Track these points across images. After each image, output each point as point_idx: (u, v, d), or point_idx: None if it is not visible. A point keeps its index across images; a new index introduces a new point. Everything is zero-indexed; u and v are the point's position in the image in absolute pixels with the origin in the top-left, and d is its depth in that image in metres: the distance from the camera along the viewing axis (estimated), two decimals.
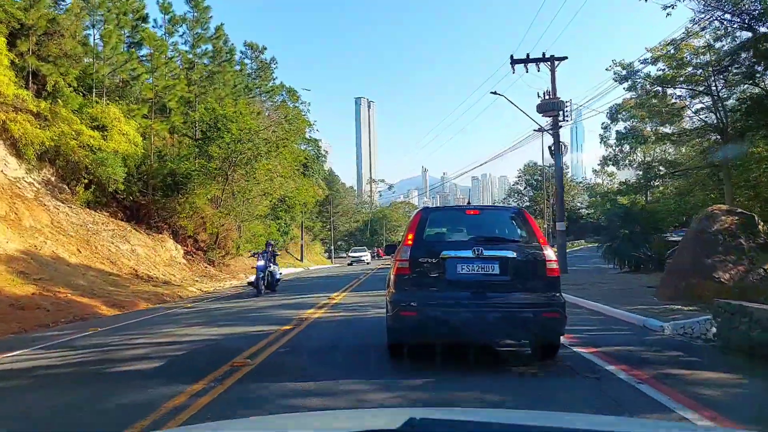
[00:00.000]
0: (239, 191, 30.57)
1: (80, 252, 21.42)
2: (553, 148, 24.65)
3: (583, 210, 75.63)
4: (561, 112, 24.35)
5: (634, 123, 61.82)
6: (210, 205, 30.10)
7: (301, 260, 47.83)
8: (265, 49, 48.15)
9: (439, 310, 5.73)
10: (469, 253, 5.88)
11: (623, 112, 78.97)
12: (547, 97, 24.35)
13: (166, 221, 28.85)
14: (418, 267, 5.96)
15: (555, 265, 6.11)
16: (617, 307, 10.29)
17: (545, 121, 25.83)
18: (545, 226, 62.81)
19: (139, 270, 22.83)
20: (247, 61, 47.87)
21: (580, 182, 77.51)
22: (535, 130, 46.11)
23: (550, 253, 6.09)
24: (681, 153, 54.16)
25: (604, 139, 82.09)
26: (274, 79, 47.74)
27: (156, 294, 18.70)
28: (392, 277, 6.25)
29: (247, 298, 16.46)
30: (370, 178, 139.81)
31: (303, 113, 34.59)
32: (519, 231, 6.51)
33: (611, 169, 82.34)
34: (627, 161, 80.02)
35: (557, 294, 5.97)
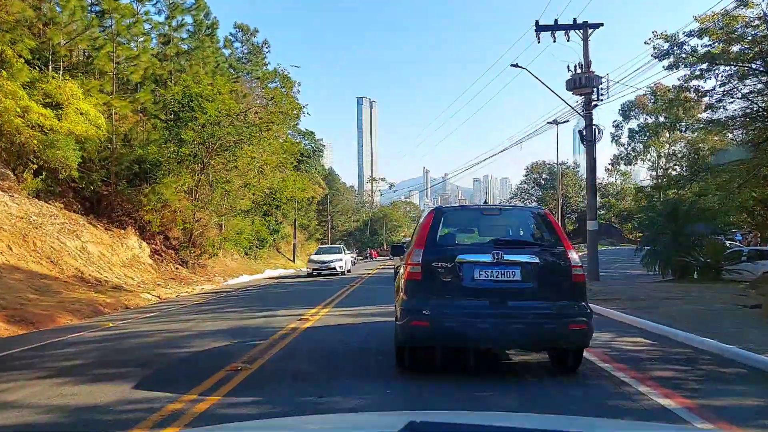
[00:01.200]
0: (218, 182, 26.55)
1: (11, 249, 17.39)
2: (584, 133, 20.58)
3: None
4: (595, 90, 20.28)
5: (661, 118, 56.80)
6: (187, 198, 26.09)
7: (294, 261, 43.75)
8: (257, 31, 44.29)
9: (455, 321, 5.19)
10: (487, 258, 5.31)
11: (636, 109, 73.93)
12: (578, 71, 20.32)
13: (131, 215, 24.84)
14: (431, 272, 5.34)
15: (581, 271, 5.51)
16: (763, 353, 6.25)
17: (575, 101, 21.78)
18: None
19: (85, 272, 18.81)
20: (237, 44, 44.00)
21: None
22: (549, 122, 42.25)
23: (575, 257, 5.53)
24: (699, 148, 49.69)
25: (616, 138, 77.76)
26: (267, 65, 43.78)
27: (92, 303, 14.65)
28: (402, 282, 5.68)
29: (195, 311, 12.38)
30: (371, 176, 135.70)
31: (293, 94, 30.72)
32: (541, 233, 5.89)
33: (623, 167, 78.47)
34: (639, 159, 75.95)
35: (583, 303, 5.42)
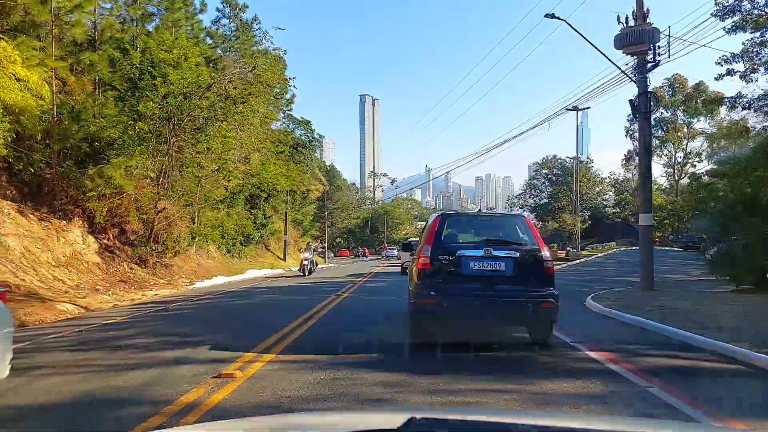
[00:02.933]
0: (188, 166, 22.08)
1: None
2: (637, 102, 15.98)
3: (609, 209, 66.47)
4: (652, 47, 15.67)
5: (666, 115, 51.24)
6: (150, 184, 21.59)
7: (284, 259, 39.22)
8: (247, 7, 39.73)
9: (455, 299, 6.53)
10: (480, 253, 6.68)
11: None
12: (631, 23, 15.73)
13: (78, 204, 20.32)
14: (437, 263, 6.72)
15: (551, 264, 6.89)
16: None
17: (625, 62, 17.15)
18: (575, 225, 53.86)
19: None
20: (224, 21, 39.55)
21: (606, 178, 68.31)
22: (568, 109, 37.74)
23: (546, 253, 6.90)
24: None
25: (630, 132, 73.30)
26: (256, 43, 39.26)
27: None
28: (415, 271, 7.10)
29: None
30: (372, 171, 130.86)
31: (278, 60, 26.00)
32: (521, 235, 7.15)
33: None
34: (655, 155, 71.11)
35: (551, 287, 6.76)
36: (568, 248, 41.00)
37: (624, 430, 1.79)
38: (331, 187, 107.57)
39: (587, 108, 37.53)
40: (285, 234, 39.10)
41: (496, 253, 6.61)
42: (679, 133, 67.10)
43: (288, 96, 43.24)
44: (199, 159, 21.71)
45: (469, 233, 7.36)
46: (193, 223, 24.68)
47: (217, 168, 22.01)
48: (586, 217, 64.41)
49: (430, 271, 6.64)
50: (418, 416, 1.43)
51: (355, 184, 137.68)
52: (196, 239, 25.15)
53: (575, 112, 37.69)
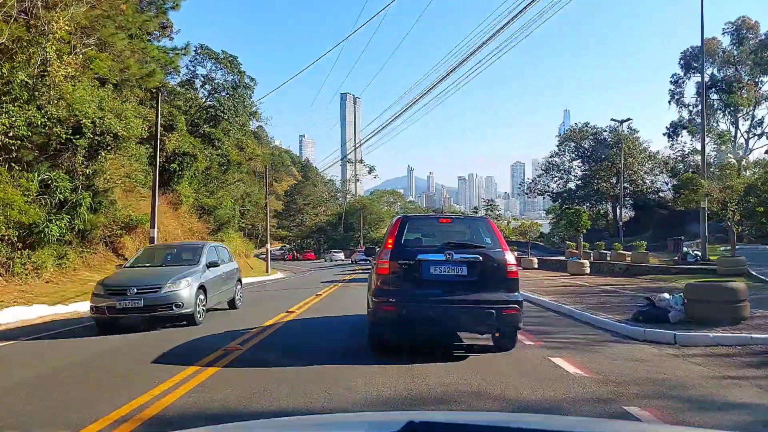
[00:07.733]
0: None
1: None
2: None
3: (664, 194, 48.27)
4: None
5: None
6: None
7: None
8: None
9: (414, 306, 6.04)
10: (441, 257, 6.22)
11: (707, 58, 49.16)
12: None
13: None
14: (396, 268, 6.24)
15: (514, 268, 6.37)
16: None
17: None
18: (613, 215, 35.04)
19: None
20: None
21: (656, 153, 49.79)
22: None
23: (510, 257, 6.39)
24: None
25: (676, 97, 54.22)
26: None
27: None
28: (374, 276, 6.60)
29: None
30: (345, 157, 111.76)
31: None
32: (484, 238, 6.77)
33: (686, 137, 55.84)
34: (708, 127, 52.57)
35: (516, 293, 6.26)
36: (685, 250, 22.50)
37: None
38: (305, 182, 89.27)
39: None
40: (153, 227, 19.84)
41: (457, 256, 6.25)
42: (745, 94, 49.39)
43: None
44: None
45: (431, 236, 7.05)
46: None
47: None
48: (629, 205, 46.34)
49: (389, 276, 6.25)
50: (417, 420, 1.35)
51: (333, 181, 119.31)
52: None
53: None
